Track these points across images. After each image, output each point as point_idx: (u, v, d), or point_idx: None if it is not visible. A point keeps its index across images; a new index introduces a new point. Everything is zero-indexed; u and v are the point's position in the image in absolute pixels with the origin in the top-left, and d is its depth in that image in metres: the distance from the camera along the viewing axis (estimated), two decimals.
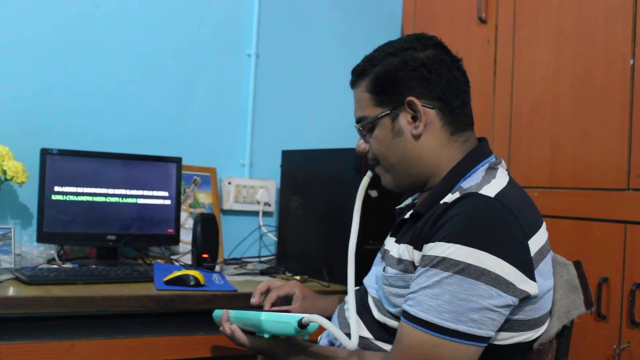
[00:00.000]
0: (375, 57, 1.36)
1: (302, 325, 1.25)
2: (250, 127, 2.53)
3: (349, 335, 1.31)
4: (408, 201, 1.48)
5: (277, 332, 1.30)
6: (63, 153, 2.07)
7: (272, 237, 2.52)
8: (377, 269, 1.40)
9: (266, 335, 1.31)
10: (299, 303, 1.60)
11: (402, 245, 1.29)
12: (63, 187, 2.06)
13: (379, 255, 1.45)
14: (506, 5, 2.30)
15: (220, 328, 1.47)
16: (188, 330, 1.74)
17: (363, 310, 1.38)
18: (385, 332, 1.31)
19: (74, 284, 1.73)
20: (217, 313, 1.50)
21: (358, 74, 1.38)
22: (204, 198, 2.41)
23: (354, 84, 1.41)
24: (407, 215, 1.33)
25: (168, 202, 2.21)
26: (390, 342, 1.26)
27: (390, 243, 1.36)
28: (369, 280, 1.43)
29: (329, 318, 1.43)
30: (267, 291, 1.63)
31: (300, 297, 1.61)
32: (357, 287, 1.48)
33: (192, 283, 1.77)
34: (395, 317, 1.27)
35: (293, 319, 1.26)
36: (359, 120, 1.40)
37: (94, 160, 2.12)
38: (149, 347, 1.68)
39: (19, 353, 1.54)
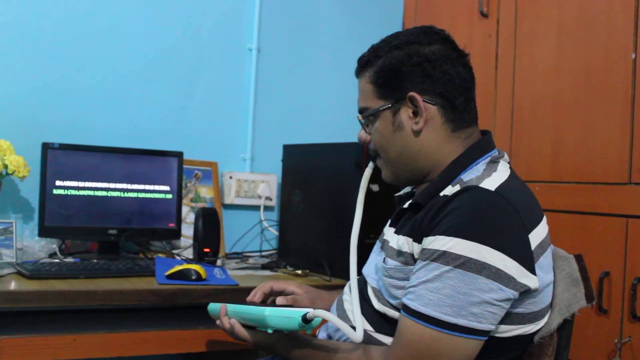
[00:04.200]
0: (381, 49, 1.34)
1: (306, 320, 1.24)
2: (252, 122, 2.53)
3: (353, 328, 1.30)
4: (407, 189, 1.48)
5: (281, 327, 1.28)
6: (64, 147, 2.07)
7: (274, 232, 2.52)
8: (376, 258, 1.39)
9: (269, 331, 1.30)
10: (305, 296, 1.58)
11: (401, 237, 1.28)
12: (64, 182, 2.06)
13: (378, 244, 1.45)
14: None
15: (218, 322, 1.45)
16: (189, 325, 1.74)
17: (362, 300, 1.37)
18: (385, 324, 1.30)
19: (76, 278, 1.73)
20: (213, 306, 1.48)
21: (363, 64, 1.37)
22: (205, 192, 2.42)
23: (358, 73, 1.40)
24: (406, 205, 1.33)
25: (169, 196, 2.21)
26: (390, 334, 1.26)
27: (389, 233, 1.36)
28: (368, 270, 1.43)
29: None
30: (270, 294, 1.61)
31: (302, 292, 1.59)
32: (357, 277, 1.47)
33: (193, 277, 1.78)
34: (395, 308, 1.27)
35: (297, 313, 1.25)
36: (361, 111, 1.39)
37: (95, 155, 2.12)
38: (151, 341, 1.68)
39: (20, 347, 1.55)
